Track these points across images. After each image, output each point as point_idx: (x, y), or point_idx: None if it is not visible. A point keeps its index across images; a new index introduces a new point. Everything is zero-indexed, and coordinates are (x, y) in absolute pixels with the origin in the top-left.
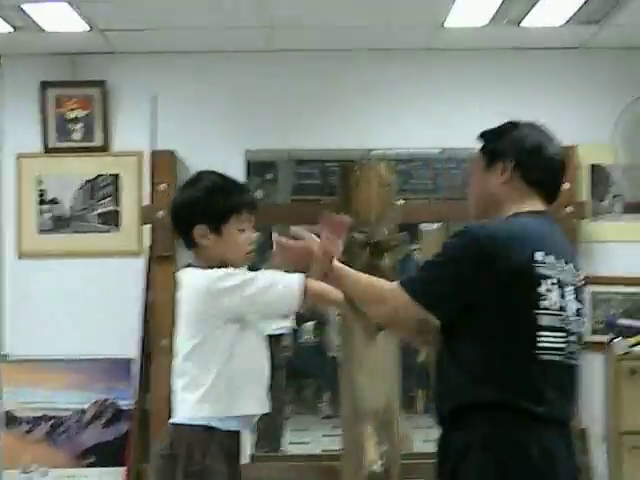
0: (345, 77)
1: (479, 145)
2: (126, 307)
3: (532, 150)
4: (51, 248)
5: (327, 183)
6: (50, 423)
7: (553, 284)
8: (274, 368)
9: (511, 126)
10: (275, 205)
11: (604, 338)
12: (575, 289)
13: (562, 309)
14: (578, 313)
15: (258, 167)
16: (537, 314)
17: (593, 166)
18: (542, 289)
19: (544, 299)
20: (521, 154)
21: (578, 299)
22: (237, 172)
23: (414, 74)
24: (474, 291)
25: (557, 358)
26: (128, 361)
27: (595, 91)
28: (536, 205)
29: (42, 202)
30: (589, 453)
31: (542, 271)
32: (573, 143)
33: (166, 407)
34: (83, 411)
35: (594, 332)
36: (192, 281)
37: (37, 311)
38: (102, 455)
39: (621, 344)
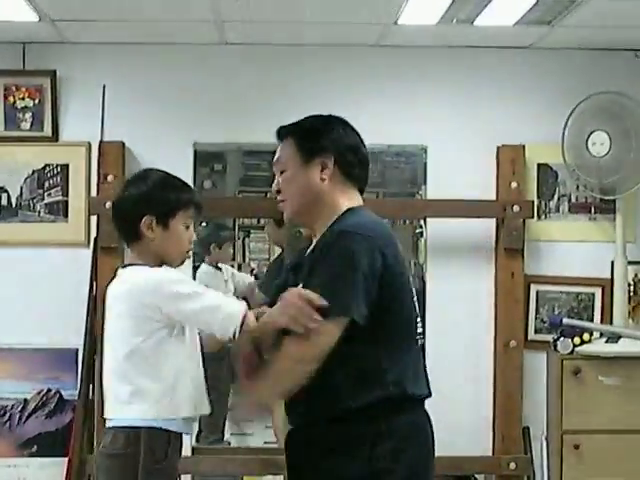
0: (295, 72)
1: (287, 141)
2: (72, 297)
3: (350, 147)
4: None
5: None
6: None
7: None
8: (216, 359)
9: (323, 122)
10: (222, 198)
11: (548, 337)
12: None
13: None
14: None
15: (206, 157)
16: (413, 302)
17: (540, 165)
18: (410, 279)
19: (412, 289)
20: (341, 150)
21: None
22: (186, 164)
23: (365, 70)
24: (377, 295)
25: (422, 342)
26: (73, 351)
27: (545, 91)
28: (359, 200)
29: None
30: (531, 451)
31: (404, 262)
32: (521, 142)
33: None
34: (26, 401)
35: (538, 331)
36: (139, 278)
37: None
38: (45, 445)
39: (566, 344)
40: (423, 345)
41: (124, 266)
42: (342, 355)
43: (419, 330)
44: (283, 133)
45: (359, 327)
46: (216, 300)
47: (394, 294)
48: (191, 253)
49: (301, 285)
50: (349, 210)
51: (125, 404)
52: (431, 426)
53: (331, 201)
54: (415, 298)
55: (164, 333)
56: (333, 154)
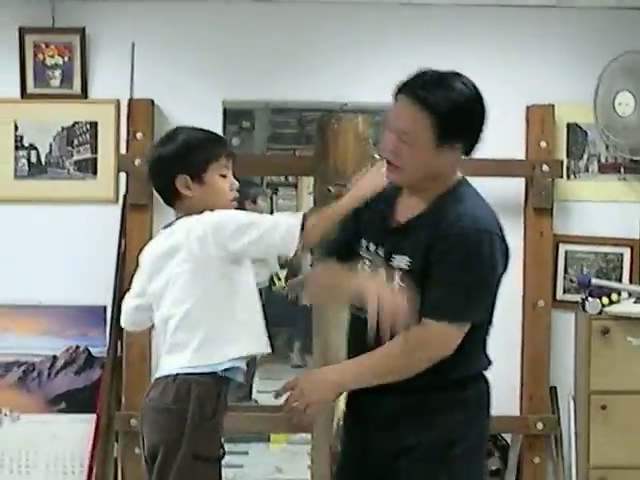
0: (325, 29)
1: (419, 111)
2: (101, 254)
3: (480, 134)
4: (27, 194)
5: (304, 132)
6: (22, 369)
7: None
8: None
9: (461, 98)
10: (251, 156)
11: (576, 297)
12: None
13: None
14: None
15: (235, 115)
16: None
17: (569, 125)
18: None
19: None
20: (472, 141)
21: None
22: (214, 120)
23: (393, 28)
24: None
25: None
26: (102, 308)
27: (575, 51)
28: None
29: (18, 148)
30: (558, 411)
31: None
32: (551, 102)
33: (138, 354)
34: (55, 357)
35: (566, 291)
36: (193, 227)
37: (12, 257)
38: (73, 402)
39: (594, 304)
40: None
41: (169, 224)
42: None
43: None
44: (415, 97)
45: None
46: (271, 222)
47: (499, 288)
48: (236, 202)
49: (408, 260)
50: (461, 183)
51: (197, 350)
52: (489, 393)
53: (445, 175)
54: None
55: (233, 272)
56: (465, 141)
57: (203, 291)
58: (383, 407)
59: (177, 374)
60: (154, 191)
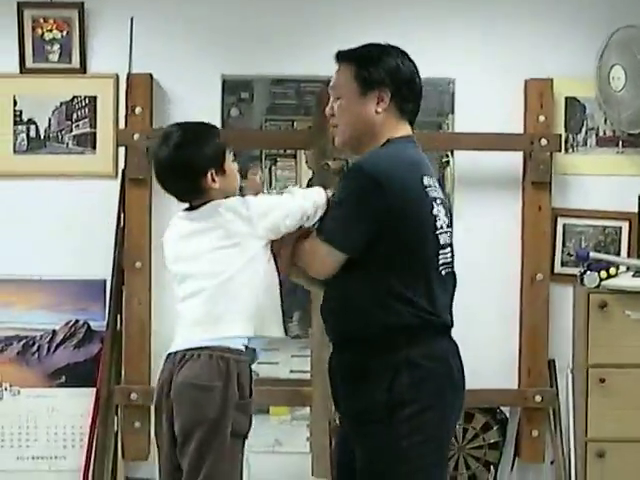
0: (324, 3)
1: (345, 67)
2: (101, 229)
3: (407, 80)
4: (26, 169)
5: (302, 103)
6: (22, 343)
7: (439, 204)
8: None
9: (382, 51)
10: (249, 130)
11: (575, 271)
12: (444, 205)
13: (448, 226)
14: (449, 226)
15: (233, 86)
16: (436, 235)
17: (568, 99)
18: (435, 211)
19: (437, 220)
20: (397, 84)
21: (447, 214)
22: (213, 95)
23: (391, 2)
24: (380, 225)
25: (449, 271)
26: (101, 282)
27: (574, 24)
28: (407, 131)
29: (17, 122)
30: (556, 385)
31: (431, 194)
32: (549, 76)
33: (138, 328)
34: (55, 331)
35: (564, 264)
36: (227, 207)
37: (11, 232)
38: (73, 376)
39: (592, 277)
40: (451, 274)
41: (190, 207)
42: (362, 282)
43: (444, 260)
44: (341, 58)
45: (372, 257)
46: (302, 195)
47: (403, 229)
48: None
49: None
50: (388, 141)
51: (221, 323)
52: (459, 356)
53: (381, 133)
54: (442, 229)
55: (259, 254)
56: (390, 87)
57: (244, 265)
58: (337, 370)
59: (211, 352)
60: (165, 191)
